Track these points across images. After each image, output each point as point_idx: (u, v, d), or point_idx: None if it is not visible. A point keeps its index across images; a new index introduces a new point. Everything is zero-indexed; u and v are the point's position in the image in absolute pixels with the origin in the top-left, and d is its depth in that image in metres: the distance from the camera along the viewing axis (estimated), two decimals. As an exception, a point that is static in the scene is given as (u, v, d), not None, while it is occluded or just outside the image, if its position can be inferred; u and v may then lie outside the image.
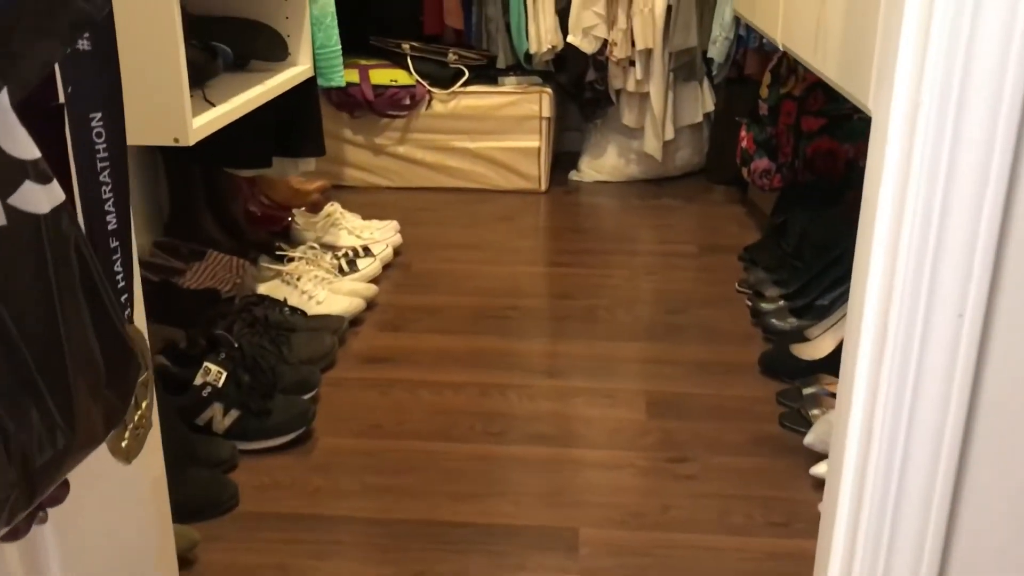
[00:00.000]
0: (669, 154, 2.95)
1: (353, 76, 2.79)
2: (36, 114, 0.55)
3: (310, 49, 1.98)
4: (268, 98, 1.77)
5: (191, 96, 1.60)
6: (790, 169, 2.48)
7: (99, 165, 0.61)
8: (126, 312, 0.65)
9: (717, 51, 2.69)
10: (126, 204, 0.64)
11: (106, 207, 0.62)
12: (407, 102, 2.81)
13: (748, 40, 2.68)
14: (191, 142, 1.41)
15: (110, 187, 0.62)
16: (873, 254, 0.93)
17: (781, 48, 1.87)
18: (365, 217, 2.49)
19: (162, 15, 1.34)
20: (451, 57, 2.84)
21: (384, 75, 2.83)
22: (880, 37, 1.21)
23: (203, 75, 1.71)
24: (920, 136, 0.81)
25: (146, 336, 0.72)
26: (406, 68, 2.83)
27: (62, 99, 0.58)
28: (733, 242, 2.46)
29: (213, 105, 1.58)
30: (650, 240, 2.51)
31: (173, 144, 1.40)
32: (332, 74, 2.03)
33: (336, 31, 2.01)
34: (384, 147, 2.89)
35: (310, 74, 1.99)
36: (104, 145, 0.61)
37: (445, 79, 2.83)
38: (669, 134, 2.86)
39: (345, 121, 2.87)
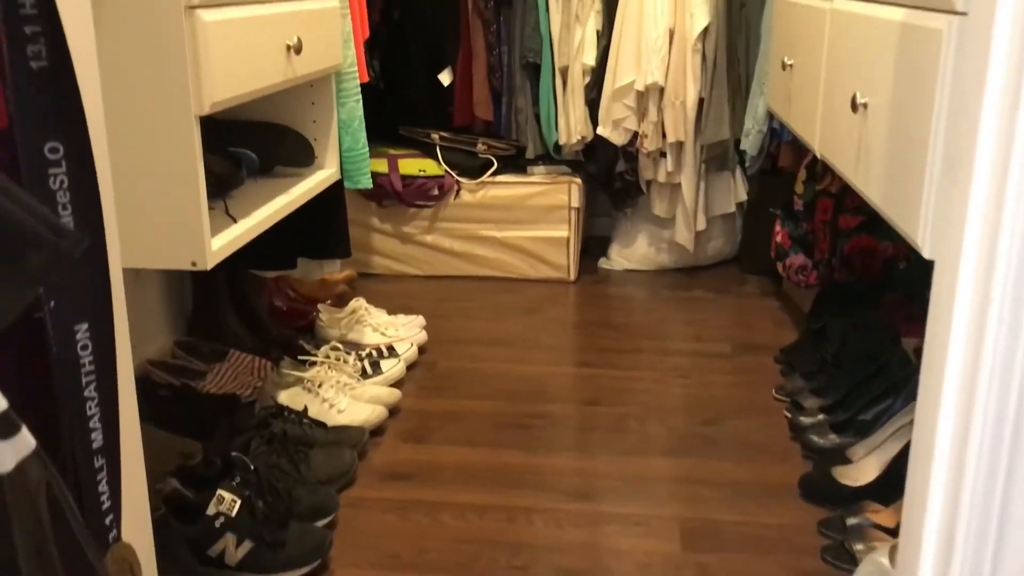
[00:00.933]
0: (701, 244, 2.89)
1: (382, 166, 2.77)
2: (13, 329, 0.50)
3: (337, 152, 1.96)
4: (292, 208, 1.74)
5: (212, 209, 1.57)
6: (827, 267, 2.41)
7: (84, 380, 0.56)
8: (111, 535, 0.59)
9: (750, 144, 2.64)
10: (114, 418, 0.59)
11: (91, 424, 0.57)
12: (435, 192, 2.79)
13: (782, 134, 2.63)
14: (209, 266, 1.37)
15: (96, 402, 0.57)
16: (941, 420, 0.85)
17: (819, 156, 1.81)
18: (391, 310, 2.45)
19: (181, 134, 1.31)
20: (480, 147, 2.82)
21: (413, 165, 2.81)
22: (939, 175, 1.15)
23: (226, 185, 1.69)
24: (996, 298, 0.75)
25: (142, 540, 0.67)
26: (435, 158, 2.81)
27: (44, 311, 0.54)
28: (768, 340, 2.38)
29: (234, 220, 1.54)
30: (682, 337, 2.44)
31: (191, 268, 1.36)
32: (359, 176, 2.00)
33: (363, 134, 1.99)
34: (412, 236, 2.86)
35: (336, 177, 1.96)
36: (91, 358, 0.56)
37: (474, 169, 2.81)
38: (701, 224, 2.80)
39: (373, 210, 2.84)
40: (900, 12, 1.29)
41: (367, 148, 2.02)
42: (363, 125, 2.00)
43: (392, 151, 2.84)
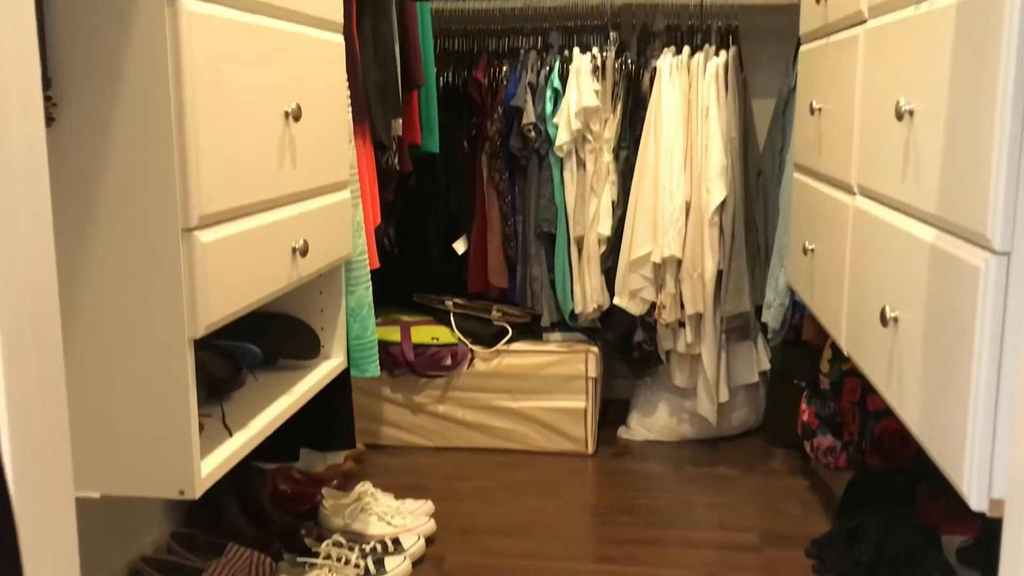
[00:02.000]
0: (724, 415, 2.78)
1: (394, 334, 2.71)
2: None
3: (344, 341, 1.90)
4: (296, 409, 1.66)
5: (208, 417, 1.50)
6: (857, 449, 2.28)
7: None
8: None
9: (772, 316, 2.57)
10: None
11: None
12: (448, 362, 2.72)
13: (804, 307, 2.56)
14: (198, 495, 1.28)
15: None
16: None
17: (846, 354, 1.73)
18: (400, 489, 2.33)
19: (172, 358, 1.25)
20: (495, 314, 2.76)
21: (426, 332, 2.75)
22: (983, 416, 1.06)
23: (225, 388, 1.62)
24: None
25: None
26: (448, 325, 2.75)
27: None
28: (799, 529, 2.24)
29: (230, 433, 1.46)
30: (707, 525, 2.30)
31: (178, 497, 1.28)
32: (367, 364, 1.93)
33: (372, 321, 1.94)
34: (423, 406, 2.78)
35: (343, 367, 1.89)
36: None
37: (488, 337, 2.74)
38: (723, 396, 2.70)
39: (384, 379, 2.77)
40: (930, 233, 1.23)
41: (375, 336, 1.96)
42: (372, 311, 1.95)
43: (405, 318, 2.79)
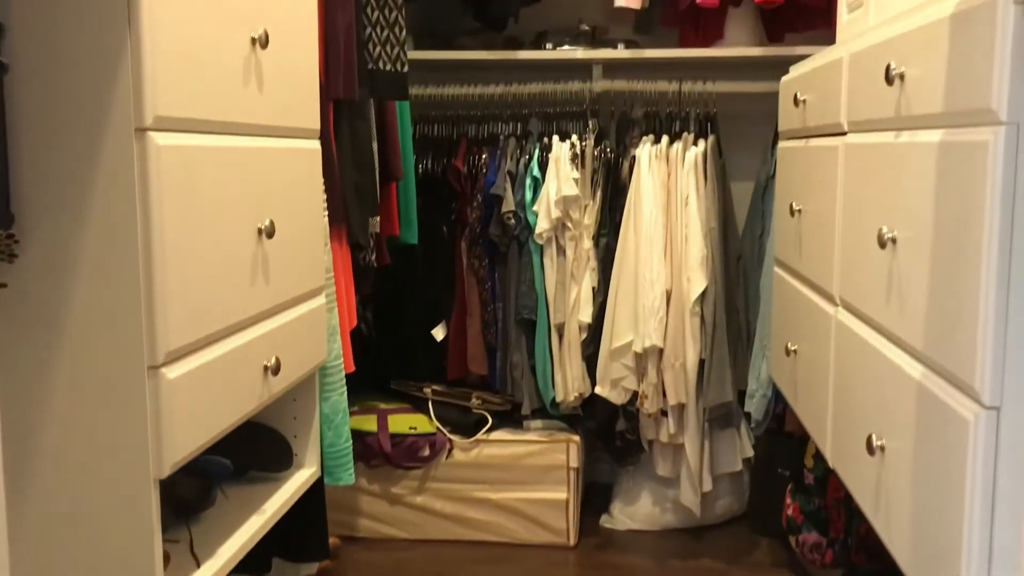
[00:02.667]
0: (708, 503, 2.73)
1: (371, 424, 2.66)
2: None
3: (318, 448, 1.84)
4: (269, 527, 1.60)
5: (175, 543, 1.44)
6: (843, 546, 2.24)
7: None
8: None
9: (755, 407, 2.54)
10: None
11: None
12: (426, 453, 2.66)
13: (788, 398, 2.53)
14: (161, 642, 1.22)
15: None
16: None
17: (831, 466, 1.70)
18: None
19: (136, 499, 1.20)
20: (474, 402, 2.71)
21: (403, 421, 2.70)
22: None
23: (195, 509, 1.56)
24: None
25: None
26: (427, 413, 2.70)
27: None
28: (786, 631, 2.19)
29: (198, 564, 1.41)
30: (691, 626, 2.24)
31: (139, 646, 1.22)
32: (341, 472, 1.88)
33: (347, 427, 1.89)
34: (401, 497, 2.71)
35: (317, 476, 1.84)
36: None
37: (467, 426, 2.69)
38: (707, 486, 2.66)
39: (360, 470, 2.70)
40: (917, 369, 1.20)
41: (350, 443, 1.91)
42: (347, 418, 1.90)
43: (383, 405, 2.74)
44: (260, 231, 1.45)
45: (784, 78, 2.19)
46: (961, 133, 1.06)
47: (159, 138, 1.16)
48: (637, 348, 2.54)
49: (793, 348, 1.98)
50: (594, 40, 2.88)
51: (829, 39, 1.98)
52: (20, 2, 1.12)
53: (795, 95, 1.95)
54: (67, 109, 1.12)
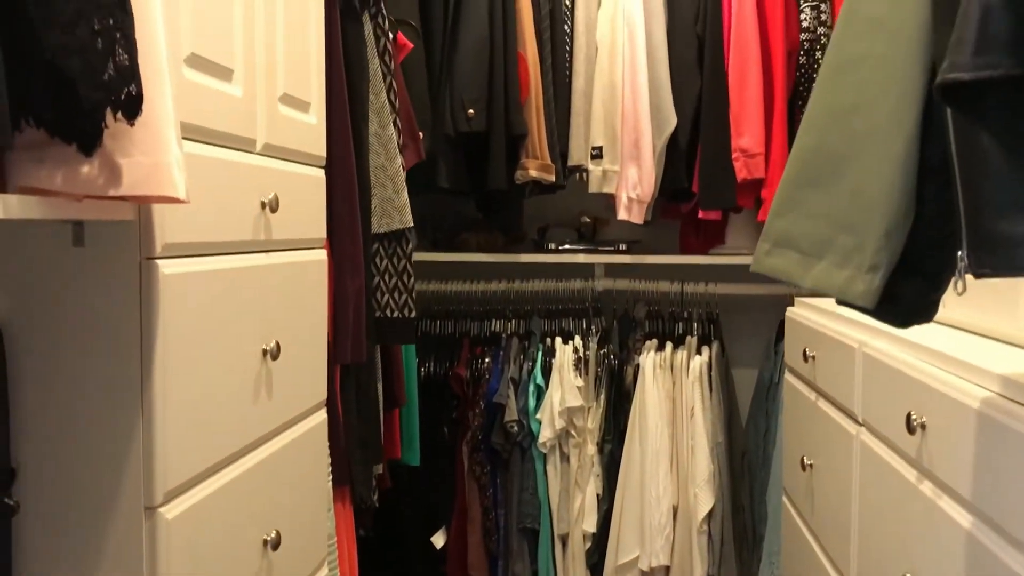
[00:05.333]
0: None
1: (369, 637, 2.57)
2: None
3: None
4: None
5: None
6: None
7: None
8: None
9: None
10: None
11: None
12: (426, 670, 2.57)
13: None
14: None
15: None
16: None
17: None
18: None
19: None
20: (475, 611, 2.64)
21: (402, 633, 2.61)
22: None
23: None
24: None
25: None
26: (426, 623, 2.62)
27: None
28: None
29: None
30: None
31: None
32: None
33: None
34: None
35: None
36: None
37: (468, 639, 2.61)
38: None
39: None
40: (965, 517, 1.15)
41: None
42: None
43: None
44: (265, 352, 1.42)
45: (790, 311, 2.18)
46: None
47: (166, 267, 1.13)
48: (644, 566, 2.49)
49: (809, 463, 1.92)
50: (595, 235, 2.90)
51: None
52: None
53: (804, 349, 1.94)
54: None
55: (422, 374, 2.69)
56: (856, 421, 1.61)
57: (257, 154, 1.43)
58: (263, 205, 1.41)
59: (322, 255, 1.72)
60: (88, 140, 0.90)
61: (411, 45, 2.26)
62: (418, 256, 2.60)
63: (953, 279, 0.87)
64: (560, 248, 2.81)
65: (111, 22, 0.90)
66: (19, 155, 0.92)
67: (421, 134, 2.31)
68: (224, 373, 1.30)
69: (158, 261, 1.12)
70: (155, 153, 0.96)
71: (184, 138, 1.07)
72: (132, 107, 0.92)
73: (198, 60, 1.22)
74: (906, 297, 0.91)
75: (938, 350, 1.27)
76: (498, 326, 2.79)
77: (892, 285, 0.89)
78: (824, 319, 1.88)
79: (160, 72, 0.98)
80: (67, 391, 1.13)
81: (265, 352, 1.42)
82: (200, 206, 1.20)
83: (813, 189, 0.92)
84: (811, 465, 1.90)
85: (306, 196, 1.64)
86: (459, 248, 2.80)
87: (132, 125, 0.92)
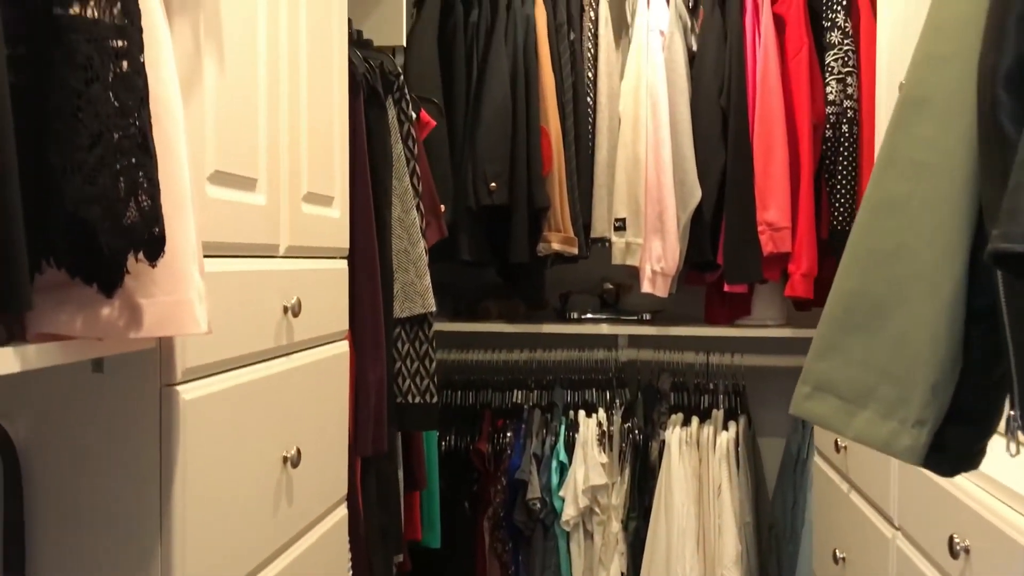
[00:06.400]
0: None
1: None
2: None
3: None
4: None
5: None
6: None
7: None
8: None
9: None
10: None
11: None
12: None
13: None
14: None
15: None
16: None
17: None
18: None
19: None
20: None
21: None
22: None
23: None
24: None
25: None
26: None
27: None
28: None
29: None
30: None
31: None
32: None
33: None
34: None
35: None
36: None
37: None
38: None
39: None
40: None
41: None
42: None
43: None
44: (286, 459, 1.39)
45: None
46: None
47: (186, 392, 1.10)
48: (671, 650, 2.42)
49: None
50: (618, 302, 2.86)
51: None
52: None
53: (836, 440, 1.89)
54: None
55: (442, 448, 2.65)
56: (892, 524, 1.56)
57: (280, 257, 1.42)
58: (285, 310, 1.40)
59: (344, 347, 1.69)
60: (109, 283, 0.89)
61: (434, 123, 2.25)
62: (438, 325, 2.56)
63: (1005, 441, 0.83)
64: (583, 317, 2.78)
65: (133, 163, 0.88)
66: (39, 296, 0.91)
67: (443, 207, 2.30)
68: (244, 487, 1.27)
69: (178, 387, 1.10)
70: (177, 291, 0.94)
71: (206, 255, 1.05)
72: (154, 249, 0.90)
73: (222, 176, 1.20)
74: (952, 446, 0.87)
75: (984, 471, 1.23)
76: (520, 397, 2.75)
77: (938, 435, 0.85)
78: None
79: (183, 206, 0.96)
80: (85, 518, 1.10)
81: (285, 459, 1.39)
82: (222, 323, 1.18)
83: (855, 334, 0.89)
84: (843, 559, 1.85)
85: (329, 291, 1.62)
86: (480, 317, 2.77)
87: (154, 267, 0.91)
